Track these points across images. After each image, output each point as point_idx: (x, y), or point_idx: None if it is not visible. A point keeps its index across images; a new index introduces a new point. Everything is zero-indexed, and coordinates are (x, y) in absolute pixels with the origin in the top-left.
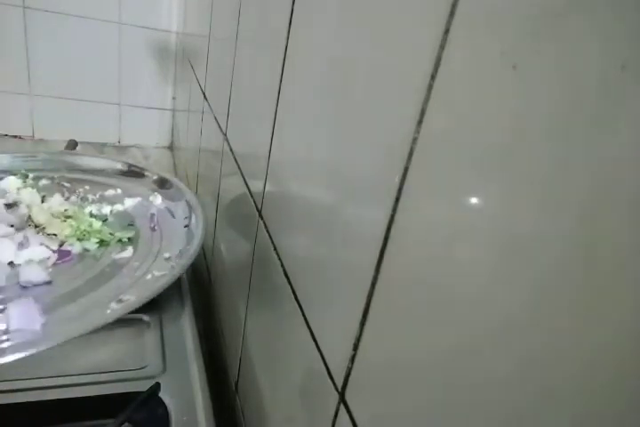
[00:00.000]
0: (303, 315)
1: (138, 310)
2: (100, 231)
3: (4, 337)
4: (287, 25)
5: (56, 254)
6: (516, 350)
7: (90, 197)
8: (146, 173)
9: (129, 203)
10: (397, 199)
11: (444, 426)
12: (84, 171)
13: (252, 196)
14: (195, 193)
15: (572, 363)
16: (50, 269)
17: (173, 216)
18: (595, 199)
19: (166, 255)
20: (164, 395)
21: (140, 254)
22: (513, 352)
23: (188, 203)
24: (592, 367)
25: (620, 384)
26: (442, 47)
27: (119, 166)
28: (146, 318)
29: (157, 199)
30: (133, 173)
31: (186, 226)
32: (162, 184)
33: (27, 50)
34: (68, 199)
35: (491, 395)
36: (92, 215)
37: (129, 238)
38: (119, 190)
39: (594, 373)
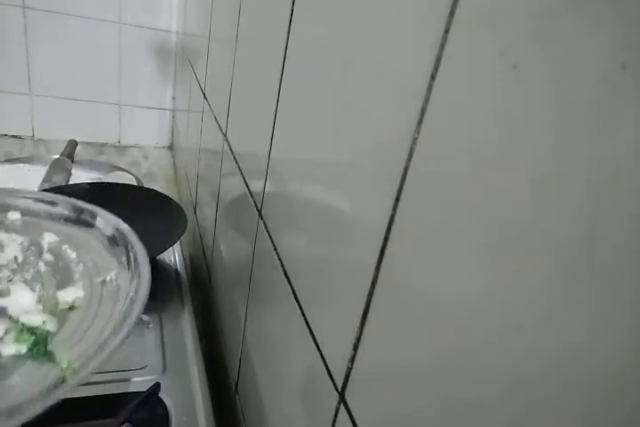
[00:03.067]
0: (303, 315)
1: None
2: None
3: None
4: (287, 25)
5: None
6: (516, 351)
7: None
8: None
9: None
10: (397, 199)
11: (444, 426)
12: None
13: (252, 196)
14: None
15: (573, 369)
16: None
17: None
18: (596, 200)
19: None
20: (163, 395)
21: None
22: (514, 354)
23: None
24: (594, 374)
25: (622, 390)
26: (442, 47)
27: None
28: (146, 318)
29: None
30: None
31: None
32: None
33: (27, 50)
34: None
35: (491, 397)
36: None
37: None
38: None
39: (595, 380)
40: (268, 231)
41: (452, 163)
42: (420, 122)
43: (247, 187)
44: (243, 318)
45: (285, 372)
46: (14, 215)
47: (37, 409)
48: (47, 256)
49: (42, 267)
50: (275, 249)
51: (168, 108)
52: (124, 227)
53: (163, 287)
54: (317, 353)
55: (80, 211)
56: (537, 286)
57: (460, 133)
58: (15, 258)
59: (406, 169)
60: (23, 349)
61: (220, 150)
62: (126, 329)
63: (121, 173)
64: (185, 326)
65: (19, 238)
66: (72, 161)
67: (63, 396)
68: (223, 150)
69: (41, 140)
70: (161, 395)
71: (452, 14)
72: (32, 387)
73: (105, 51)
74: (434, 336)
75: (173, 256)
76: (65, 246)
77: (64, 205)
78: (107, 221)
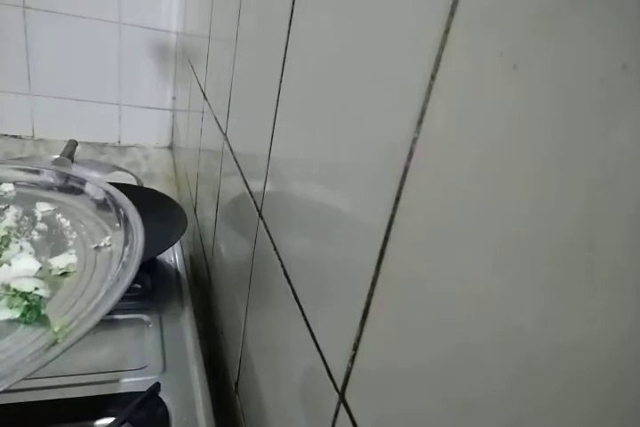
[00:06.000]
0: (303, 315)
1: (138, 310)
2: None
3: None
4: (287, 25)
5: None
6: (516, 351)
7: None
8: (86, 189)
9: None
10: (397, 199)
11: (444, 426)
12: None
13: (252, 196)
14: (139, 220)
15: (573, 369)
16: None
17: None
18: (596, 199)
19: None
20: (163, 395)
21: None
22: (513, 354)
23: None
24: (596, 375)
25: (622, 390)
26: (442, 47)
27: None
28: (146, 318)
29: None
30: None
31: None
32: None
33: (27, 50)
34: None
35: (491, 397)
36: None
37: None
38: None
39: (597, 381)
40: (267, 231)
41: (452, 163)
42: (420, 122)
43: (247, 187)
44: (243, 318)
45: (285, 372)
46: (7, 187)
47: (29, 371)
48: (41, 225)
49: (35, 236)
50: (275, 249)
51: (168, 108)
52: (114, 190)
53: (163, 287)
54: (317, 353)
55: (66, 178)
56: (537, 285)
57: (459, 133)
58: (8, 228)
59: (406, 169)
60: (17, 314)
61: (220, 150)
62: (119, 291)
63: (121, 173)
64: (185, 326)
65: (13, 209)
66: (72, 161)
67: (54, 358)
68: (223, 150)
69: (41, 140)
70: (161, 395)
71: (451, 14)
72: (24, 350)
73: (105, 51)
74: (434, 336)
75: (173, 256)
76: (59, 215)
77: (49, 174)
78: (96, 186)
